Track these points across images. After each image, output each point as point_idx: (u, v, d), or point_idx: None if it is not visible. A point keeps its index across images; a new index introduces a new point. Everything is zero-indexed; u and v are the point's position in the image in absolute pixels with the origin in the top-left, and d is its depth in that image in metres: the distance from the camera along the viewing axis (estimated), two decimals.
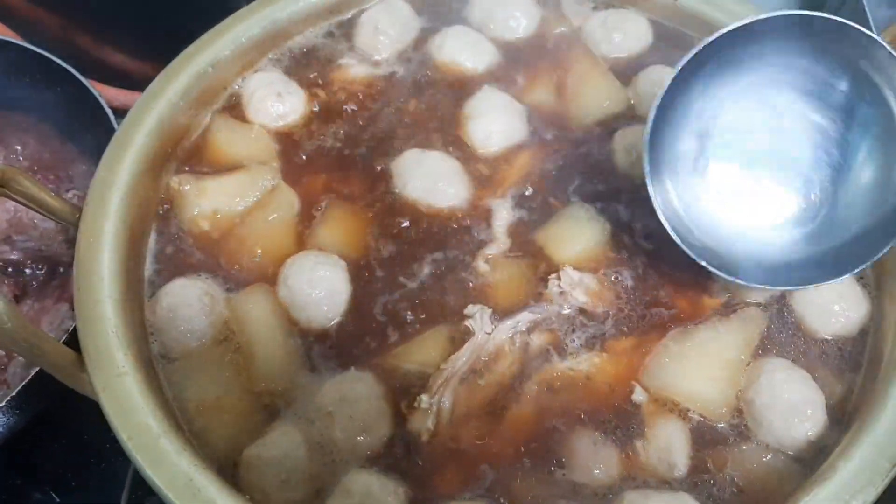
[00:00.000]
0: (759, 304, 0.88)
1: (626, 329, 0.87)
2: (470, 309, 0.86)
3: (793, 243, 0.87)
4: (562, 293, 0.88)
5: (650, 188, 0.83)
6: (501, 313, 0.87)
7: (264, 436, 0.79)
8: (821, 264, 0.84)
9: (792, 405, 0.80)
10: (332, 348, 0.85)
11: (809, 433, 0.79)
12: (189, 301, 0.85)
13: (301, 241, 0.92)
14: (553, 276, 0.89)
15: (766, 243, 0.88)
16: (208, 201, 0.93)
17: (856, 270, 0.82)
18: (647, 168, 0.83)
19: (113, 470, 1.05)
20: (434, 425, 0.81)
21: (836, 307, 0.86)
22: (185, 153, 0.99)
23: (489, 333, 0.85)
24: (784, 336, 0.86)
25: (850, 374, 0.84)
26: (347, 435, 0.79)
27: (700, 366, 0.84)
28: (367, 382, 0.82)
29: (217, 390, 0.82)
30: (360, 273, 0.90)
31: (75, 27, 1.43)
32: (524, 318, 0.87)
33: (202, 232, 0.92)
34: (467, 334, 0.85)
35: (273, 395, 0.82)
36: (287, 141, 1.00)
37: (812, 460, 0.78)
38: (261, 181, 0.95)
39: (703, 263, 0.83)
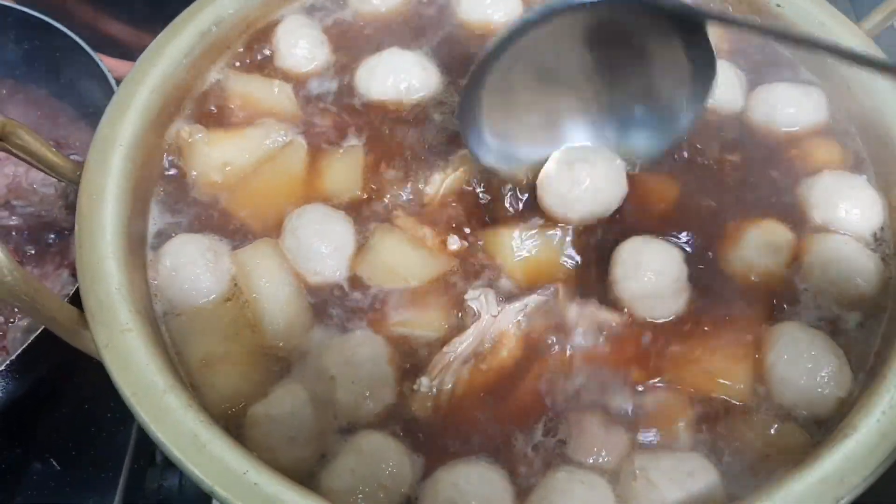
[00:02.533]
0: None
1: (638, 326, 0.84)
2: (471, 293, 0.84)
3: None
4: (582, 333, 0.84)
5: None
6: (509, 293, 0.85)
7: (271, 394, 0.77)
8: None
9: (813, 367, 0.78)
10: (341, 304, 0.84)
11: (833, 393, 0.77)
12: (192, 257, 0.83)
13: (310, 195, 0.90)
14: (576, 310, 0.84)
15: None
16: (219, 152, 0.91)
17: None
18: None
19: (114, 439, 1.04)
20: (433, 409, 0.78)
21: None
22: (196, 106, 0.97)
23: (494, 316, 0.83)
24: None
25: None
26: (350, 398, 0.77)
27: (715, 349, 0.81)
28: (372, 345, 0.80)
29: (222, 347, 0.80)
30: (370, 224, 0.88)
31: None
32: (532, 301, 0.84)
33: (210, 183, 0.91)
34: (472, 315, 0.83)
35: (280, 352, 0.81)
36: (303, 91, 0.99)
37: (834, 421, 0.76)
38: (273, 135, 0.93)
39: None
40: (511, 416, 0.78)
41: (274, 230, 0.87)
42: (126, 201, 0.84)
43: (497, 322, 0.82)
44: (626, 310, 0.83)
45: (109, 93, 1.08)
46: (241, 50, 1.02)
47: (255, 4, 1.01)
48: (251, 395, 0.77)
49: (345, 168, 0.92)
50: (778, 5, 1.02)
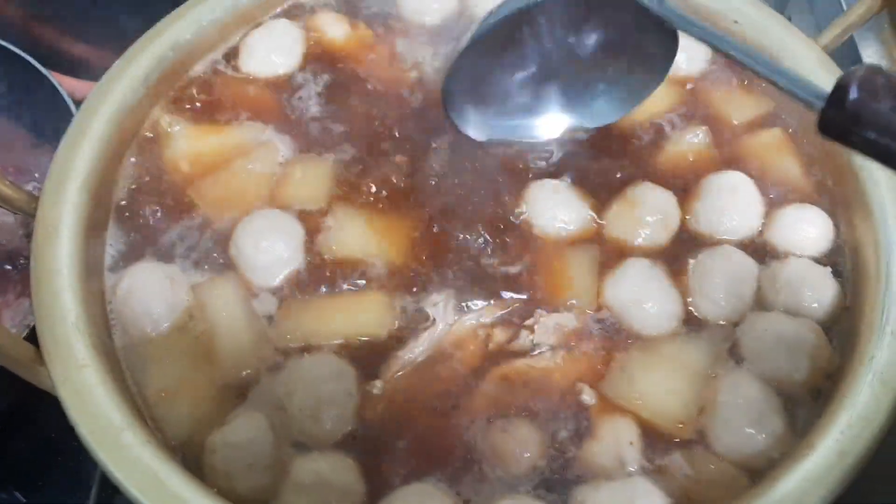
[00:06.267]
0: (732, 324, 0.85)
1: (594, 333, 0.85)
2: (434, 297, 0.85)
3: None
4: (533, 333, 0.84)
5: None
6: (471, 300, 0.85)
7: (229, 422, 0.76)
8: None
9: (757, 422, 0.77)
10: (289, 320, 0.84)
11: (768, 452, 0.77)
12: (149, 284, 0.83)
13: (276, 199, 0.91)
14: (530, 320, 0.85)
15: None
16: (194, 144, 0.93)
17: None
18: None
19: (80, 468, 1.03)
20: (385, 411, 0.79)
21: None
22: (174, 101, 0.98)
23: (451, 324, 0.84)
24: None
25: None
26: (302, 426, 0.77)
27: (663, 379, 0.81)
28: (323, 368, 0.80)
29: (180, 377, 0.80)
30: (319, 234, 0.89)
31: (36, 17, 1.40)
32: (492, 311, 0.85)
33: (179, 175, 0.92)
34: (428, 321, 0.84)
35: (237, 381, 0.80)
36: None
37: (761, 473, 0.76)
38: (251, 135, 0.95)
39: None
40: (455, 439, 0.78)
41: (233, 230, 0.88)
42: (83, 233, 0.83)
43: (453, 329, 0.83)
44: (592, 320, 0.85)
45: (68, 115, 1.08)
46: (201, 74, 1.01)
47: (214, 29, 1.00)
48: (210, 425, 0.77)
49: (314, 177, 0.93)
50: (735, 21, 1.02)
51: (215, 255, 0.88)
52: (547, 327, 0.84)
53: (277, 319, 0.84)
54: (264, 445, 0.75)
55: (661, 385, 0.80)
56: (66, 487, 1.03)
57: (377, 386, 0.80)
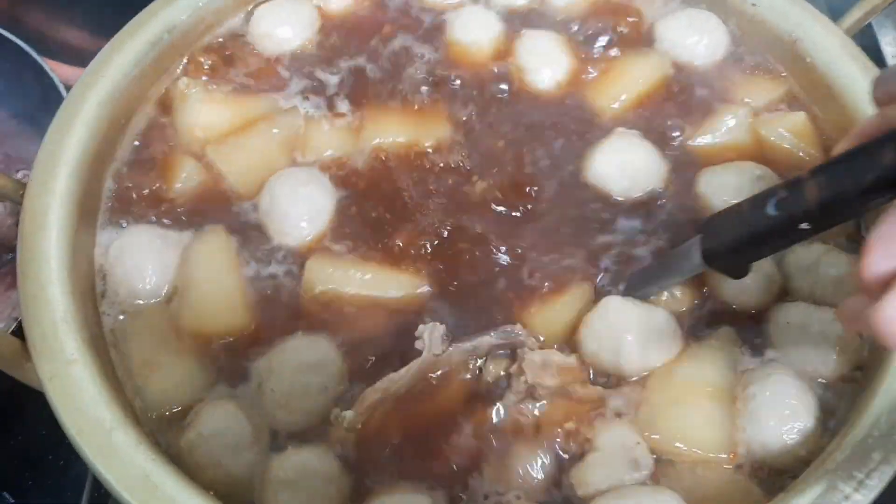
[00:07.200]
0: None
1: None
2: (420, 329, 0.76)
3: None
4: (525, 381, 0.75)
5: None
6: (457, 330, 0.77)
7: (201, 413, 0.73)
8: None
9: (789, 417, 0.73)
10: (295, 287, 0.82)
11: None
12: (142, 244, 0.81)
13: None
14: (518, 359, 0.76)
15: None
16: (211, 109, 0.91)
17: None
18: None
19: (72, 468, 0.99)
20: (352, 448, 0.72)
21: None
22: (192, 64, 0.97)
23: (437, 355, 0.75)
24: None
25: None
26: (279, 410, 0.74)
27: (695, 408, 0.75)
28: (313, 351, 0.77)
29: (163, 348, 0.77)
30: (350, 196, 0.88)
31: (27, 3, 1.36)
32: (484, 342, 0.76)
33: (194, 141, 0.90)
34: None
35: (220, 352, 0.78)
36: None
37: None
38: (267, 103, 0.93)
39: None
40: (442, 469, 0.72)
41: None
42: (72, 222, 0.79)
43: (441, 361, 0.75)
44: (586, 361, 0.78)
45: (60, 103, 1.04)
46: (199, 55, 0.98)
47: (210, 10, 0.97)
48: (193, 399, 0.75)
49: (337, 137, 0.92)
50: (753, 4, 0.99)
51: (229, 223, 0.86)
52: (533, 364, 0.75)
53: (308, 269, 0.81)
54: (242, 427, 0.72)
55: (693, 418, 0.75)
56: (57, 487, 0.99)
57: (348, 417, 0.72)
